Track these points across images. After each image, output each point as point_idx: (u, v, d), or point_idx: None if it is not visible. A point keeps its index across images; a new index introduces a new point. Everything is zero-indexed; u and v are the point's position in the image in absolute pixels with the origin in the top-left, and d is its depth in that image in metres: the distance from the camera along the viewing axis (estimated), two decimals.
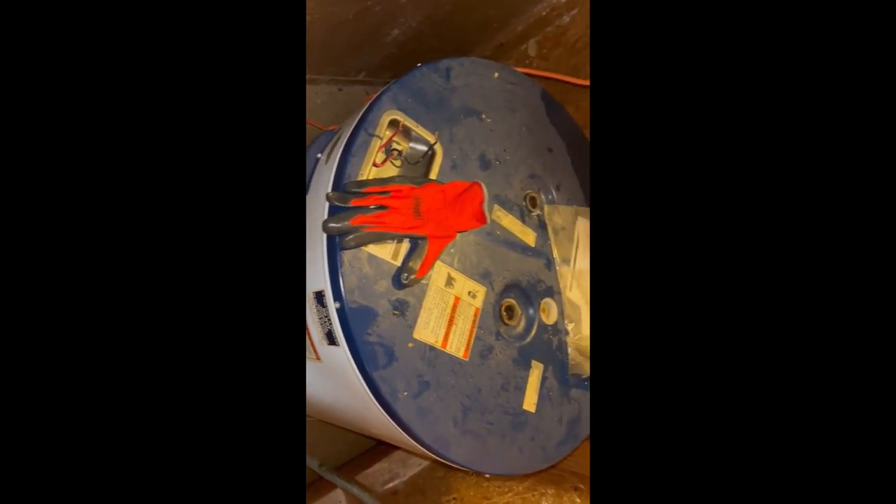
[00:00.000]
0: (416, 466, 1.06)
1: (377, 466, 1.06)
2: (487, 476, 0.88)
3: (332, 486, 0.95)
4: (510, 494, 0.90)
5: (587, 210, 0.76)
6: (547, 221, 0.70)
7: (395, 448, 1.00)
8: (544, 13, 1.01)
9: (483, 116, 0.64)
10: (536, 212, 0.69)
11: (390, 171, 0.56)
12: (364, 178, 0.52)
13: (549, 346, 0.66)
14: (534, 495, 0.88)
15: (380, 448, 1.08)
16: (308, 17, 0.79)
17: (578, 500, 0.83)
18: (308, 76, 1.09)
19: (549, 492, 0.87)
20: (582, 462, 0.86)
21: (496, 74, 0.68)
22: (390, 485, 1.06)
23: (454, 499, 0.94)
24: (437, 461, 0.57)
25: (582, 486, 0.86)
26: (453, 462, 0.55)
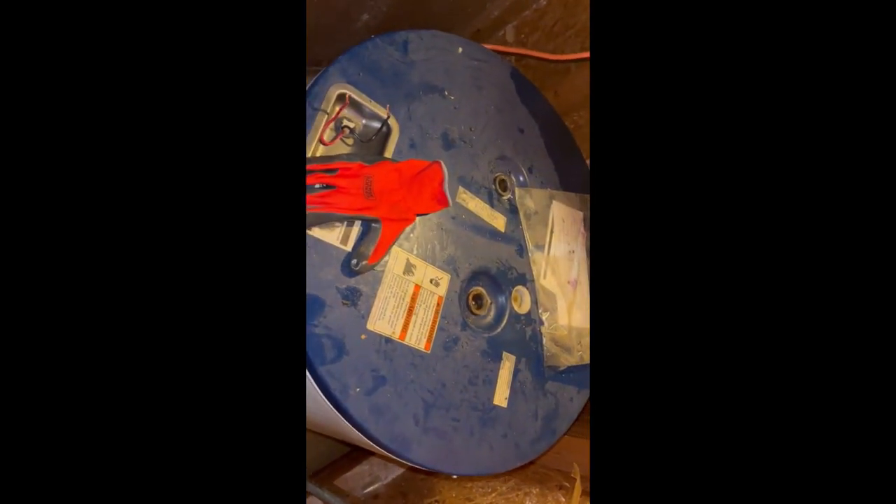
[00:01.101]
0: (397, 469, 1.01)
1: (357, 470, 1.02)
2: (454, 477, 0.84)
3: (308, 493, 0.90)
4: (493, 495, 0.86)
5: (562, 193, 0.72)
6: (518, 205, 0.66)
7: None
8: None
9: (446, 93, 0.60)
10: (507, 195, 0.65)
11: (341, 149, 0.51)
12: (309, 156, 0.48)
13: (521, 336, 0.62)
14: (517, 495, 0.84)
15: (360, 451, 1.04)
16: None
17: (563, 499, 0.79)
18: None
19: (534, 491, 0.83)
20: (566, 459, 0.83)
21: (460, 49, 0.64)
22: (371, 488, 1.02)
23: (436, 501, 0.90)
24: (404, 464, 0.53)
25: (567, 485, 0.82)
26: (415, 463, 0.51)
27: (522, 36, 1.03)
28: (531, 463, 0.64)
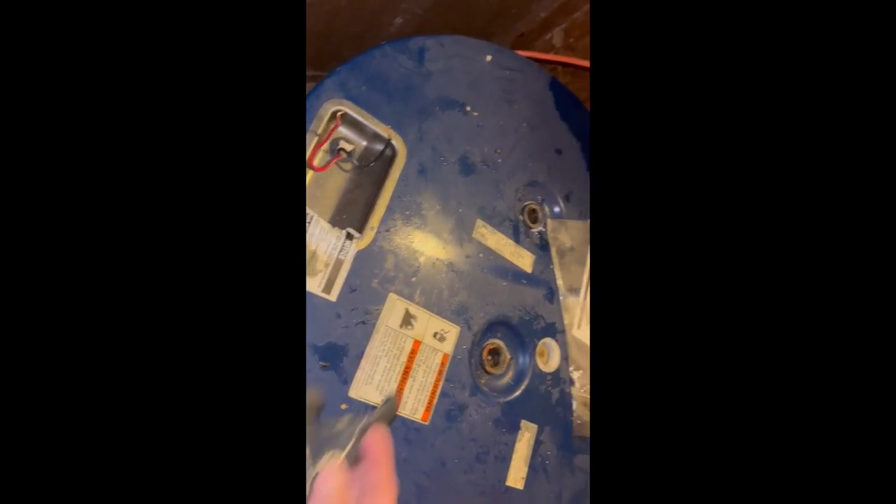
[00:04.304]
0: None
1: None
2: None
3: None
4: None
5: None
6: (550, 240, 0.56)
7: None
8: None
9: (468, 109, 0.51)
10: (538, 228, 0.55)
11: (336, 175, 0.44)
12: None
13: (546, 400, 0.51)
14: None
15: None
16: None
17: None
18: (308, 72, 1.00)
19: None
20: None
21: (489, 57, 0.55)
22: None
23: None
24: None
25: None
26: None
27: (571, 40, 0.93)
28: None
